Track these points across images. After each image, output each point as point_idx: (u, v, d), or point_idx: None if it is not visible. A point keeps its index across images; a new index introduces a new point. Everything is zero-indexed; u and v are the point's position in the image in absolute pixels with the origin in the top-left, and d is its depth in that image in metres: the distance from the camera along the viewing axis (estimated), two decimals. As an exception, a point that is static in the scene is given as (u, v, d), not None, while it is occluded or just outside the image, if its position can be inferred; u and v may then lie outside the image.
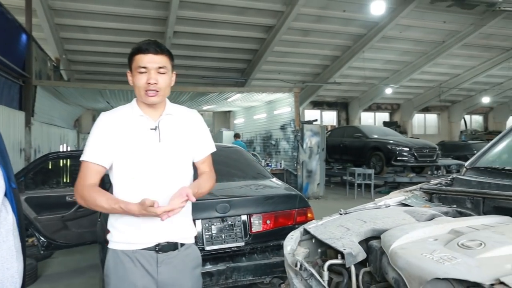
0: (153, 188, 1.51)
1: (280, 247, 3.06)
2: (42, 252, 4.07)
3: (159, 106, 1.58)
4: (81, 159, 1.53)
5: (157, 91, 1.51)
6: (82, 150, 1.59)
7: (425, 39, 13.21)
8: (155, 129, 1.56)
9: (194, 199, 1.45)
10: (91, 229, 3.73)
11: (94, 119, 15.12)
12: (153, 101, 1.52)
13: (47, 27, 9.94)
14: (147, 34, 11.00)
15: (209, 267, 2.76)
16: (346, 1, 10.42)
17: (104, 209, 1.46)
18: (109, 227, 1.60)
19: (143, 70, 1.49)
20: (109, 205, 1.45)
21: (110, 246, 1.58)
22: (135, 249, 1.54)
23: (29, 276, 3.73)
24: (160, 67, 1.50)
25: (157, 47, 1.50)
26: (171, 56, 1.55)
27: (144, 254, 1.54)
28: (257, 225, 2.97)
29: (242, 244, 2.91)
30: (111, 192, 1.55)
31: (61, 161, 4.90)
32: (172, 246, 1.57)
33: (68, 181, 4.78)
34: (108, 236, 1.59)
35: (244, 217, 2.94)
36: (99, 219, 3.20)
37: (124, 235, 1.54)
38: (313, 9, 10.66)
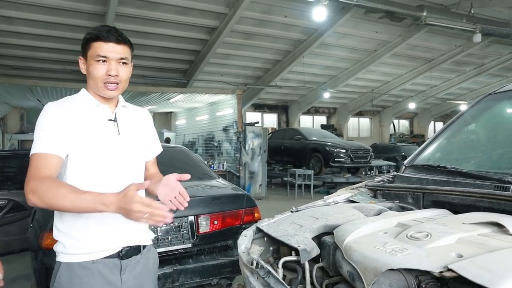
0: (110, 185, 1.36)
1: (228, 248, 3.06)
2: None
3: (114, 98, 1.46)
4: (31, 153, 1.30)
5: (117, 84, 1.38)
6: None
7: (359, 47, 13.98)
8: (113, 120, 1.43)
9: (188, 176, 1.37)
10: (21, 236, 3.43)
11: (22, 118, 14.07)
12: (112, 94, 1.40)
13: (-35, 15, 8.97)
14: (84, 29, 10.33)
15: (154, 271, 2.68)
16: (288, 7, 10.67)
17: (70, 203, 1.18)
18: (57, 236, 1.38)
19: (102, 59, 1.34)
20: (77, 199, 1.17)
21: (61, 259, 1.36)
22: (96, 259, 1.36)
23: None
24: (121, 58, 1.37)
25: (119, 36, 1.36)
26: (131, 46, 1.43)
27: (107, 263, 1.37)
28: (204, 226, 2.93)
29: (189, 245, 2.86)
30: None
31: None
32: (135, 250, 1.44)
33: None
34: (58, 247, 1.37)
35: (191, 218, 2.89)
36: (31, 225, 2.96)
37: (81, 244, 1.35)
38: (255, 13, 10.78)
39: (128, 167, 1.45)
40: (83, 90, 1.45)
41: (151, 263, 1.54)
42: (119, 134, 1.43)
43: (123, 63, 1.39)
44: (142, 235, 1.49)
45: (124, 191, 1.17)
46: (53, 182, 1.24)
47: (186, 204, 1.38)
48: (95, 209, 1.19)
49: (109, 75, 1.35)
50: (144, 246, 1.50)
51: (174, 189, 1.37)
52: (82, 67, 1.42)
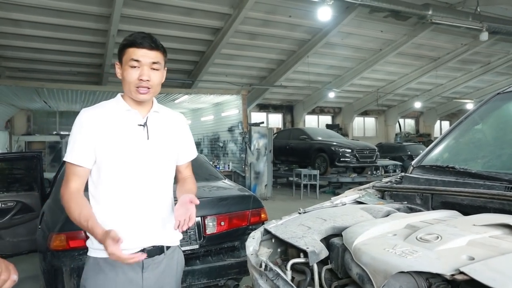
0: (138, 188, 1.45)
1: (235, 249, 3.06)
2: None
3: (147, 103, 1.51)
4: (64, 159, 1.46)
5: (149, 88, 1.44)
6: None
7: (364, 46, 13.93)
8: (143, 125, 1.48)
9: (197, 201, 1.45)
10: (29, 238, 3.45)
11: (29, 120, 14.21)
12: (144, 98, 1.46)
13: (-28, 19, 9.05)
14: (89, 31, 10.43)
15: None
16: (292, 7, 10.66)
17: (74, 220, 1.39)
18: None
19: (135, 64, 1.41)
20: (79, 220, 1.37)
21: (90, 254, 1.48)
22: None
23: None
24: (153, 63, 1.43)
25: (152, 42, 1.43)
26: (165, 52, 1.49)
27: None
28: (211, 227, 2.93)
29: (196, 246, 2.86)
30: (91, 191, 1.48)
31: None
32: (158, 250, 1.51)
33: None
34: (88, 243, 1.49)
35: (198, 219, 2.89)
36: (39, 227, 2.98)
37: None
38: (260, 13, 10.78)
39: (157, 171, 1.50)
40: (118, 95, 1.52)
41: (175, 263, 1.59)
42: (148, 138, 1.48)
43: (155, 68, 1.44)
44: (167, 236, 1.54)
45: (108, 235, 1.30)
46: (73, 200, 1.40)
47: (184, 228, 1.43)
48: (88, 231, 1.39)
49: (141, 79, 1.42)
50: (168, 247, 1.55)
51: (188, 211, 1.43)
52: (118, 71, 1.47)
